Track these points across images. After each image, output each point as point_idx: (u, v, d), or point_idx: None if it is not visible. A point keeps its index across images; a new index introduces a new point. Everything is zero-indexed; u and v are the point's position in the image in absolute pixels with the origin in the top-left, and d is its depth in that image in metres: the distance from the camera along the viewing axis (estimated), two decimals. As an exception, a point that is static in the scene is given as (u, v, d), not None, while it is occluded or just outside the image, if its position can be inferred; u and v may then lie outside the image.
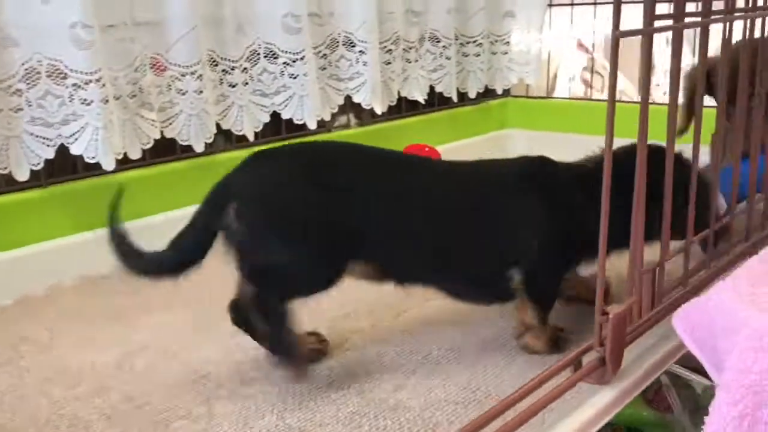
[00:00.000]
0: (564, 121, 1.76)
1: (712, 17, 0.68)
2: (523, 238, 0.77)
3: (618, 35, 0.53)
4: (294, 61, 1.33)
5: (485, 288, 0.81)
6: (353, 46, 1.44)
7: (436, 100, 1.68)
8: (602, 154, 0.84)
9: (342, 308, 0.93)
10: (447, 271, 0.79)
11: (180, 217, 1.20)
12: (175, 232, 1.19)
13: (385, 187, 0.77)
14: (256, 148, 0.80)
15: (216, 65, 1.26)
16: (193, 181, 1.25)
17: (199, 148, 1.24)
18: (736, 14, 0.74)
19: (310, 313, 0.81)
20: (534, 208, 0.77)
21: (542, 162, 0.83)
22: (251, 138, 1.32)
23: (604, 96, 2.73)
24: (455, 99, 1.67)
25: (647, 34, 0.57)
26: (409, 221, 0.76)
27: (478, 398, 0.71)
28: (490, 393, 0.72)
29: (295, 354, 0.75)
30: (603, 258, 0.59)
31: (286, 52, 1.33)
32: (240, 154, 1.32)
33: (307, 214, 0.73)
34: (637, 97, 2.49)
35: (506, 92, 1.85)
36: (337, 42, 1.43)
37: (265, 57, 1.32)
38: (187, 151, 1.25)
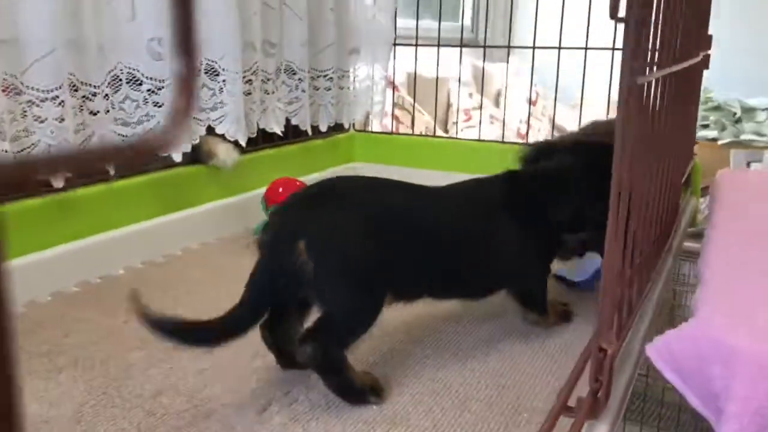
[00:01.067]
0: (406, 156, 1.81)
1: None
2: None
3: (630, 83, 0.56)
4: (159, 89, 1.23)
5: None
6: (216, 75, 1.37)
7: (290, 133, 1.64)
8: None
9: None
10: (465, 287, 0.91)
11: (38, 261, 1.06)
12: (35, 277, 1.05)
13: (420, 223, 0.82)
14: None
15: (76, 90, 1.13)
16: (52, 221, 1.11)
17: (58, 183, 1.09)
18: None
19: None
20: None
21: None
22: (111, 171, 1.19)
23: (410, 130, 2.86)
24: (310, 132, 1.65)
25: (633, 85, 0.60)
26: (437, 254, 0.83)
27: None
28: (460, 439, 0.71)
29: (361, 393, 0.77)
30: (607, 301, 0.61)
31: (151, 78, 1.22)
32: (98, 189, 1.20)
33: (371, 252, 0.76)
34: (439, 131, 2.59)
35: (351, 126, 1.86)
36: (199, 70, 1.35)
37: (128, 83, 1.21)
38: (45, 187, 1.10)
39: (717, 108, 3.68)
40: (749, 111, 3.69)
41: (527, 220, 0.90)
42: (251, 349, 0.88)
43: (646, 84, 0.65)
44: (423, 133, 2.80)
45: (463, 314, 1.01)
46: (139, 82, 1.22)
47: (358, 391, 0.76)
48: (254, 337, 0.90)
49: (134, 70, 1.21)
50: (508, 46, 1.60)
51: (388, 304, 0.81)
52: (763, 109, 3.69)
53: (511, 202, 0.91)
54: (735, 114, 3.68)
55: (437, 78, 1.87)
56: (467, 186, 0.92)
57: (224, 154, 1.41)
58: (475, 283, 0.91)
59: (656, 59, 0.70)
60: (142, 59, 1.21)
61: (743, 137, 3.52)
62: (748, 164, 2.83)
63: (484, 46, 1.69)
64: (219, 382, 0.81)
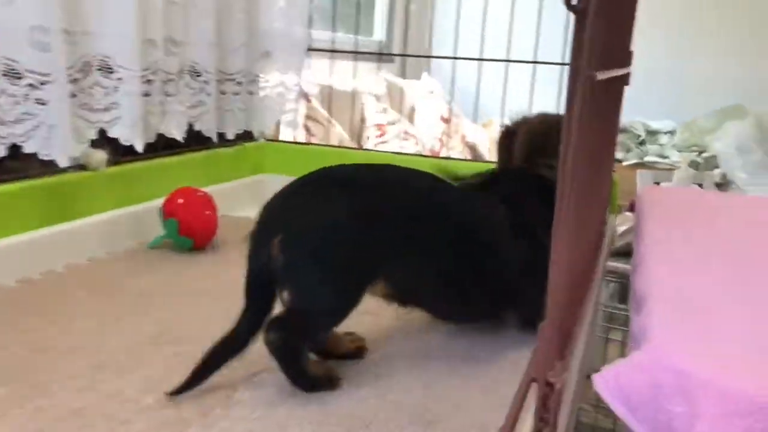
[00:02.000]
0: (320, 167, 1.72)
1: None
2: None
3: (586, 78, 0.48)
4: (42, 84, 1.09)
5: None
6: (111, 73, 1.23)
7: (194, 140, 1.51)
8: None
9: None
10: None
11: None
12: None
13: (409, 218, 0.82)
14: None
15: (-61, 81, 0.98)
16: None
17: None
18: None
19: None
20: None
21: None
22: (-18, 176, 1.04)
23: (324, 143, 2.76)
24: (215, 139, 1.53)
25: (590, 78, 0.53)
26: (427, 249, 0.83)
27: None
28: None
29: (313, 382, 0.77)
30: (554, 330, 0.54)
31: (33, 72, 1.08)
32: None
33: (346, 248, 0.76)
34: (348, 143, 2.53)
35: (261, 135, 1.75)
36: (91, 66, 1.21)
37: (5, 76, 1.06)
38: None
39: (622, 130, 3.77)
40: (653, 134, 3.79)
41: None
42: (131, 387, 0.76)
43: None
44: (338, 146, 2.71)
45: (380, 340, 0.92)
46: (18, 75, 1.07)
47: (310, 380, 0.77)
48: (125, 381, 0.79)
49: (13, 61, 1.06)
50: (429, 56, 1.54)
51: (387, 299, 0.84)
52: (666, 132, 3.80)
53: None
54: (639, 136, 3.78)
55: (358, 92, 1.79)
56: (457, 186, 0.94)
57: (92, 155, 1.25)
58: (468, 293, 0.90)
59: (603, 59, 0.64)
60: (24, 50, 1.07)
61: (647, 159, 3.61)
62: (657, 184, 2.88)
63: (404, 55, 1.62)
64: (96, 425, 0.69)
